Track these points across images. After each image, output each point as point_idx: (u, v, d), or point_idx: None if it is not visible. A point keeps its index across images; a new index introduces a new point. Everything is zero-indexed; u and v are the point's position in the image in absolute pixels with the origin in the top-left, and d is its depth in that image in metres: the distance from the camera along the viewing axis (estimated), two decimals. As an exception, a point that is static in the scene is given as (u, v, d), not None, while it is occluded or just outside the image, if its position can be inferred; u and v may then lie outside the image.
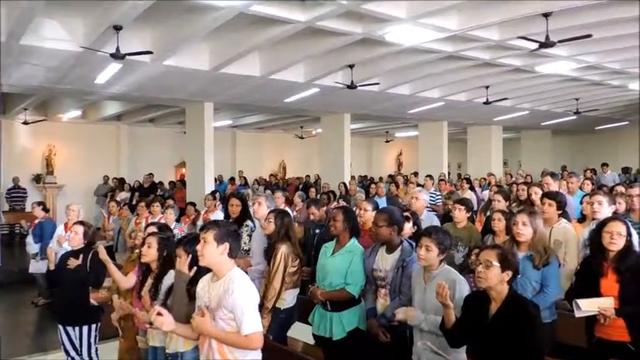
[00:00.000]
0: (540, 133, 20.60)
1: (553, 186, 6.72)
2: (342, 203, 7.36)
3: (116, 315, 3.97)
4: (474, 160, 18.55)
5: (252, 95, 11.56)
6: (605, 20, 7.74)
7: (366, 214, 4.26)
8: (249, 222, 4.85)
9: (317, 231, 5.33)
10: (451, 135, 17.35)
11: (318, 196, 9.43)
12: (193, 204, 9.02)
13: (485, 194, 9.57)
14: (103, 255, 4.03)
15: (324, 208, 6.95)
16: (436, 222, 5.13)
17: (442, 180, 11.93)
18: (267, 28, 7.70)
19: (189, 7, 6.87)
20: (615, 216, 3.90)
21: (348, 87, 10.23)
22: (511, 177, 13.22)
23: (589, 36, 7.57)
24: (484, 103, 12.80)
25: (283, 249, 3.92)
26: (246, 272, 2.99)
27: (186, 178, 13.89)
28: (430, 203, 7.63)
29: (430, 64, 10.27)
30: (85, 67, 8.54)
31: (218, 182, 14.46)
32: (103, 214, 8.94)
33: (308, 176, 17.59)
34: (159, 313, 2.63)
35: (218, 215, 7.47)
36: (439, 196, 8.62)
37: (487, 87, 12.33)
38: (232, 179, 16.26)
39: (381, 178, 16.64)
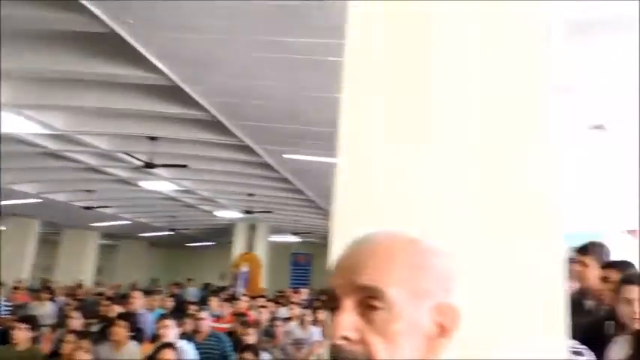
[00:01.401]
0: (139, 243, 21.09)
1: (139, 302, 6.82)
2: None
3: None
4: (65, 265, 17.15)
5: None
6: (202, 155, 8.95)
7: None
8: None
9: None
10: (42, 235, 15.78)
11: None
12: None
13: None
14: None
15: None
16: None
17: (17, 288, 10.36)
18: None
19: None
20: (169, 343, 4.05)
21: None
22: (99, 286, 12.74)
23: (185, 166, 8.57)
24: (85, 207, 12.36)
25: None
26: None
27: None
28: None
29: (29, 157, 9.34)
30: None
31: None
32: None
33: None
34: None
35: None
36: (9, 308, 7.40)
37: (90, 191, 12.02)
38: None
39: None
